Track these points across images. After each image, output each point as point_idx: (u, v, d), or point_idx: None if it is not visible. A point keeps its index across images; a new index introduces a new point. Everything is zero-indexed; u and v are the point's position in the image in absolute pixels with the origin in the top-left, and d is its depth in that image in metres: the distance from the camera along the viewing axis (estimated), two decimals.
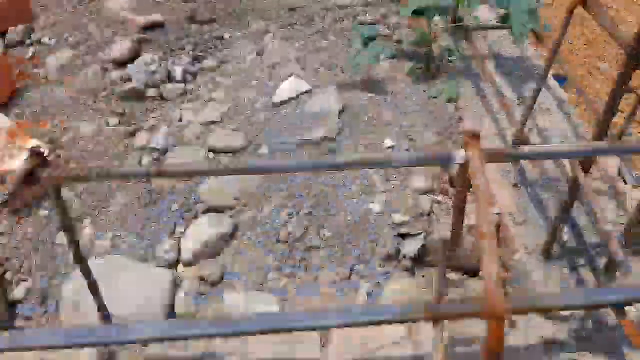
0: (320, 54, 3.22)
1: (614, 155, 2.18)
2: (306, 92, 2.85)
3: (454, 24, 2.87)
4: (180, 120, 2.82)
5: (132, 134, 2.70)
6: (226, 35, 3.33)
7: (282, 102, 2.80)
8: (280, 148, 2.60)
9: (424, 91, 2.91)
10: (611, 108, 1.54)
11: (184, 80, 3.02)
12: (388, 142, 2.61)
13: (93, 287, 1.75)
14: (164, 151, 2.62)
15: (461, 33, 3.00)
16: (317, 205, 2.38)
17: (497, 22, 2.71)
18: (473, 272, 2.31)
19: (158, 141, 2.62)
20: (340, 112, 2.73)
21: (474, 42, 2.91)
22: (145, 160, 2.57)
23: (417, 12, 2.77)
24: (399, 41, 3.44)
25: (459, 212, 1.37)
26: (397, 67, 3.10)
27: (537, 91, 1.92)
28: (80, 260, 1.63)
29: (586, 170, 1.64)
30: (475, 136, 1.16)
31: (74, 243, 1.56)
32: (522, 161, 2.41)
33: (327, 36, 3.43)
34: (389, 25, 3.61)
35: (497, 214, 2.27)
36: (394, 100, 2.84)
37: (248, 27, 3.41)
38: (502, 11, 2.72)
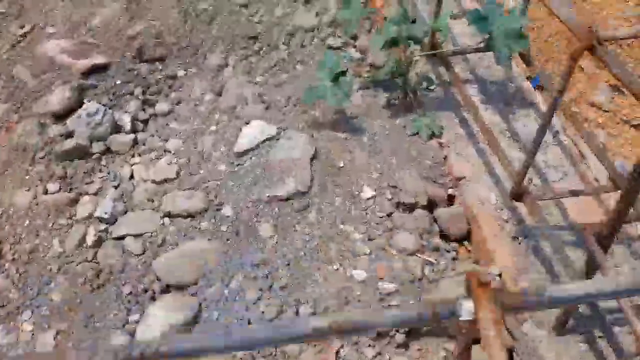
0: (286, 88, 2.92)
1: None
2: (272, 137, 2.55)
3: (431, 51, 2.61)
4: (132, 177, 2.49)
5: (76, 200, 2.37)
6: (180, 73, 3.01)
7: (246, 151, 2.50)
8: (246, 207, 2.29)
9: (404, 127, 2.64)
10: None
11: (134, 130, 2.69)
12: (368, 192, 2.33)
13: None
14: (113, 220, 2.29)
15: (439, 59, 2.74)
16: (292, 275, 2.09)
17: (481, 45, 2.45)
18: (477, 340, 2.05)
19: (105, 209, 2.30)
20: (312, 158, 2.44)
21: (453, 68, 2.64)
22: (91, 234, 2.23)
23: (391, 43, 2.50)
24: (372, 65, 3.17)
25: None
26: (372, 98, 2.82)
27: (538, 142, 1.67)
28: None
29: (605, 249, 1.39)
30: (485, 283, 0.87)
31: None
32: (521, 210, 2.15)
33: (294, 65, 3.13)
34: (360, 48, 3.34)
35: (498, 275, 2.01)
36: (371, 141, 2.57)
37: (204, 62, 3.09)
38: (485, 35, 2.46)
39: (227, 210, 2.29)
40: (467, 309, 0.87)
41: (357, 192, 2.33)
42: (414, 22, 2.68)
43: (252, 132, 2.55)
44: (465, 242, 2.24)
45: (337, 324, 0.79)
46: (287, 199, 2.29)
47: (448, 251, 2.19)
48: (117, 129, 2.67)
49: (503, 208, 2.22)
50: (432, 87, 2.78)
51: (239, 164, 2.46)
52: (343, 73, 2.54)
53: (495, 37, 2.35)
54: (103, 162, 2.56)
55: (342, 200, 2.31)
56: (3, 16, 3.31)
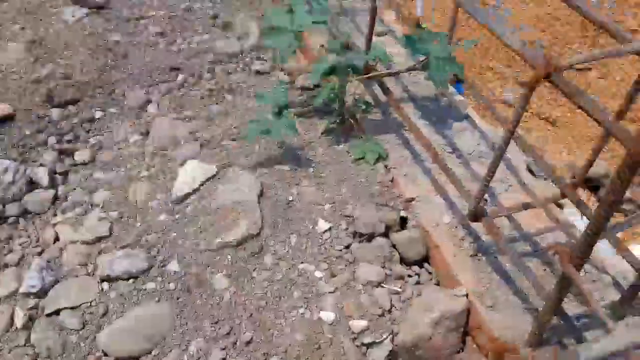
0: (219, 121, 2.78)
1: None
2: (212, 177, 2.40)
3: (367, 75, 2.59)
4: (57, 240, 2.24)
5: None
6: (97, 115, 2.78)
7: (185, 196, 2.33)
8: (195, 260, 2.13)
9: (347, 152, 2.60)
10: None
11: (53, 185, 2.43)
12: (322, 225, 2.25)
13: None
14: (43, 294, 2.03)
15: (374, 82, 2.74)
16: (256, 327, 1.96)
17: (417, 66, 2.47)
18: None
19: (31, 282, 2.03)
20: (259, 196, 2.32)
21: (388, 88, 2.65)
22: (20, 314, 1.96)
23: (330, 71, 2.45)
24: (302, 87, 3.12)
25: None
26: (310, 126, 2.76)
27: (494, 167, 1.68)
28: None
29: (578, 267, 1.41)
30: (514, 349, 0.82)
31: None
32: (475, 227, 2.17)
33: (223, 95, 3.00)
34: (288, 70, 3.27)
35: (464, 295, 2.00)
36: (317, 171, 2.50)
37: (124, 100, 2.87)
38: (419, 57, 2.48)
39: (173, 266, 2.11)
40: None
41: (311, 227, 2.25)
42: (348, 47, 2.67)
43: (190, 174, 2.39)
44: (425, 264, 2.23)
45: None
46: (239, 244, 2.16)
47: (410, 276, 2.17)
48: (32, 186, 2.40)
49: (457, 226, 2.24)
50: (369, 110, 2.77)
51: (179, 212, 2.29)
52: (286, 106, 2.45)
53: (430, 62, 2.38)
54: (21, 226, 2.28)
55: (297, 237, 2.21)
56: None
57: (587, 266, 2.07)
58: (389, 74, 2.66)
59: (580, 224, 2.25)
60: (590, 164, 2.00)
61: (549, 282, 1.93)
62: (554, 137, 3.47)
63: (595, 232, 1.33)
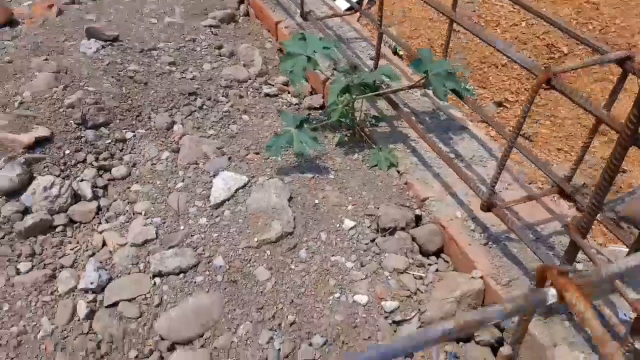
0: (241, 138, 3.19)
1: None
2: (244, 185, 2.79)
3: (376, 93, 3.05)
4: (105, 245, 2.57)
5: (53, 276, 2.39)
6: (128, 136, 3.15)
7: (222, 202, 2.71)
8: (238, 255, 2.48)
9: (362, 161, 3.02)
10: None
11: (96, 197, 2.77)
12: (348, 223, 2.64)
13: None
14: (100, 290, 2.35)
15: (379, 98, 3.20)
16: (298, 312, 2.31)
17: (418, 84, 2.94)
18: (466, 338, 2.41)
19: (89, 279, 2.35)
20: (289, 200, 2.71)
21: (397, 103, 3.11)
22: (81, 306, 2.28)
23: (345, 90, 2.90)
24: (310, 107, 3.57)
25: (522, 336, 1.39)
26: (323, 139, 3.18)
27: (505, 159, 2.11)
28: None
29: (584, 235, 1.83)
30: (564, 272, 1.20)
31: None
32: (484, 221, 2.59)
33: (240, 116, 3.41)
34: (293, 93, 3.72)
35: (480, 277, 2.40)
36: (338, 177, 2.91)
37: (150, 122, 3.26)
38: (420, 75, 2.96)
39: (219, 261, 2.46)
40: (552, 295, 1.17)
41: (338, 225, 2.64)
42: (355, 68, 3.14)
43: (224, 184, 2.77)
44: (442, 255, 2.63)
45: (460, 324, 1.06)
46: (276, 241, 2.53)
47: (430, 264, 2.56)
48: (76, 198, 2.73)
49: (468, 220, 2.65)
50: (377, 124, 3.22)
51: (218, 216, 2.65)
52: (307, 121, 2.88)
53: (431, 78, 2.85)
54: (69, 234, 2.60)
55: (326, 234, 2.59)
56: None
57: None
58: (395, 91, 3.13)
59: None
60: (575, 168, 2.45)
61: (555, 262, 2.35)
62: (531, 150, 3.96)
63: (597, 204, 1.75)
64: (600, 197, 1.75)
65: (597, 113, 1.76)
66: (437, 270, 2.54)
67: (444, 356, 2.36)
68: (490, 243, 2.55)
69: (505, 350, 1.24)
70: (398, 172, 2.95)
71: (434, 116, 3.37)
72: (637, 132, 1.58)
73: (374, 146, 3.07)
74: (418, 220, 2.76)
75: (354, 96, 2.99)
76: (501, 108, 4.16)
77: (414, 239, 2.63)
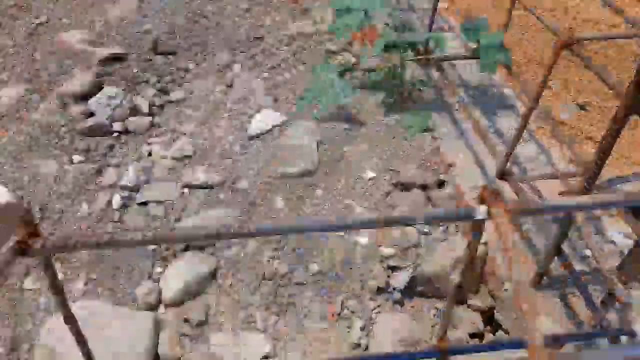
0: (291, 84, 3.39)
1: None
2: (281, 124, 2.99)
3: (424, 56, 3.13)
4: (150, 155, 2.88)
5: (99, 171, 2.73)
6: (191, 67, 3.45)
7: (258, 135, 2.93)
8: (261, 182, 2.71)
9: (399, 122, 3.13)
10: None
11: (151, 114, 3.09)
12: (369, 174, 2.78)
13: (80, 338, 1.76)
14: (136, 188, 2.67)
15: (431, 64, 3.27)
16: (302, 241, 2.50)
17: (468, 54, 2.99)
18: (460, 302, 2.50)
19: (128, 178, 2.67)
20: (318, 144, 2.89)
21: (444, 72, 3.17)
22: (117, 199, 2.60)
23: (387, 47, 3.00)
24: (366, 69, 3.70)
25: (470, 262, 1.50)
26: (367, 97, 3.31)
27: (523, 127, 2.15)
28: (72, 321, 1.64)
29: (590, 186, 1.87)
30: (497, 193, 1.30)
31: (65, 307, 1.57)
32: (503, 192, 2.63)
33: (296, 66, 3.61)
34: (354, 53, 3.85)
35: (484, 243, 2.47)
36: (369, 132, 3.04)
37: (213, 58, 3.54)
38: (472, 44, 3.00)
39: (243, 184, 2.69)
40: (482, 210, 1.28)
41: (359, 174, 2.78)
42: (409, 29, 3.22)
43: (263, 119, 2.99)
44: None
45: (382, 218, 1.20)
46: (297, 177, 2.72)
47: (439, 225, 2.65)
48: (134, 112, 3.07)
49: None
50: (424, 89, 3.30)
51: (251, 146, 2.89)
52: (350, 69, 3.02)
53: (482, 49, 2.88)
54: (122, 140, 2.94)
55: (345, 180, 2.75)
56: (16, 7, 3.70)
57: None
58: (444, 59, 3.18)
59: None
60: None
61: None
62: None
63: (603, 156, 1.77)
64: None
65: (610, 82, 1.78)
66: (444, 231, 2.63)
67: (434, 312, 2.47)
68: None
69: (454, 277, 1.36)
70: (433, 137, 3.03)
71: (485, 90, 3.39)
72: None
73: (413, 109, 3.16)
74: (441, 184, 2.84)
75: (401, 55, 3.08)
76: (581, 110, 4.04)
77: (429, 199, 2.72)
